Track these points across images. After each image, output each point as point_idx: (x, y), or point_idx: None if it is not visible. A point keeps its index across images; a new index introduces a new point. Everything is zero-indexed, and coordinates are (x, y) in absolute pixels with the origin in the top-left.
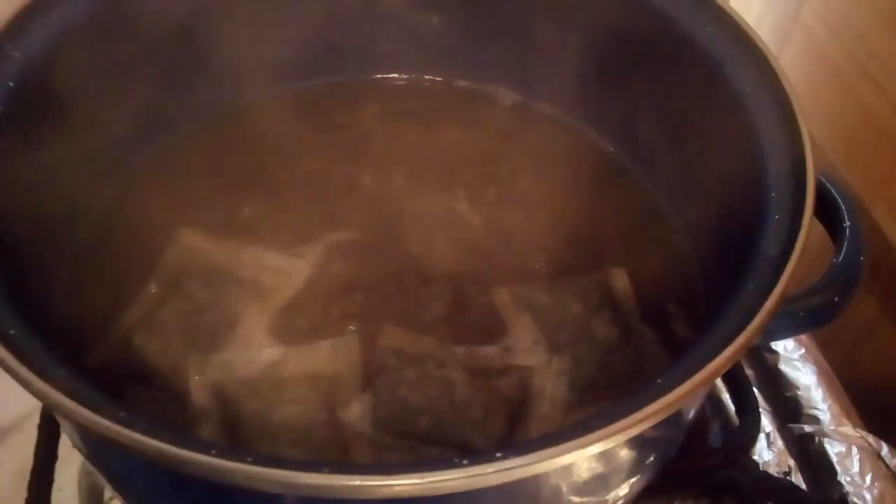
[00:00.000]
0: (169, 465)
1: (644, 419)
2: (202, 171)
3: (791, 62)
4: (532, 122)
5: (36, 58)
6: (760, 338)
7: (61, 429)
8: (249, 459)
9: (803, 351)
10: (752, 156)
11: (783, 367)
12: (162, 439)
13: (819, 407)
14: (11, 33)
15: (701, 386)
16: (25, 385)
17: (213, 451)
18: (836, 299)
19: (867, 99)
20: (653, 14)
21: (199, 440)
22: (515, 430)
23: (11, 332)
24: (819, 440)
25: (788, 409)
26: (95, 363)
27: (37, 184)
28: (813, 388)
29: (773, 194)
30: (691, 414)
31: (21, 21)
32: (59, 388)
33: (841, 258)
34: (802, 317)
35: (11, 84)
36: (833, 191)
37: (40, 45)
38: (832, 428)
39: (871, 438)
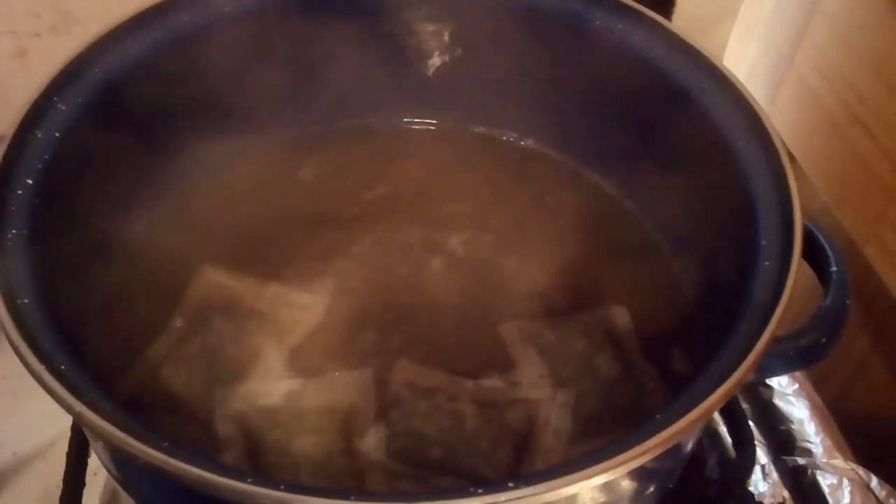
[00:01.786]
0: (208, 491)
1: (645, 452)
2: (223, 210)
3: (785, 106)
4: (541, 166)
5: (79, 110)
6: (754, 376)
7: (93, 454)
8: (282, 487)
9: (797, 386)
10: (744, 205)
11: (778, 401)
12: (202, 468)
13: (812, 440)
14: (58, 88)
15: (697, 421)
16: (78, 417)
17: (249, 480)
18: (824, 340)
19: (858, 143)
20: (653, 70)
21: (236, 469)
22: (522, 460)
23: (62, 367)
24: (812, 472)
25: (782, 442)
26: (125, 394)
27: (76, 228)
28: (806, 421)
29: (763, 242)
30: (689, 446)
31: (66, 76)
32: (109, 419)
33: (828, 301)
34: (793, 356)
35: (58, 134)
36: (821, 238)
37: (82, 98)
38: (824, 461)
39: (861, 471)
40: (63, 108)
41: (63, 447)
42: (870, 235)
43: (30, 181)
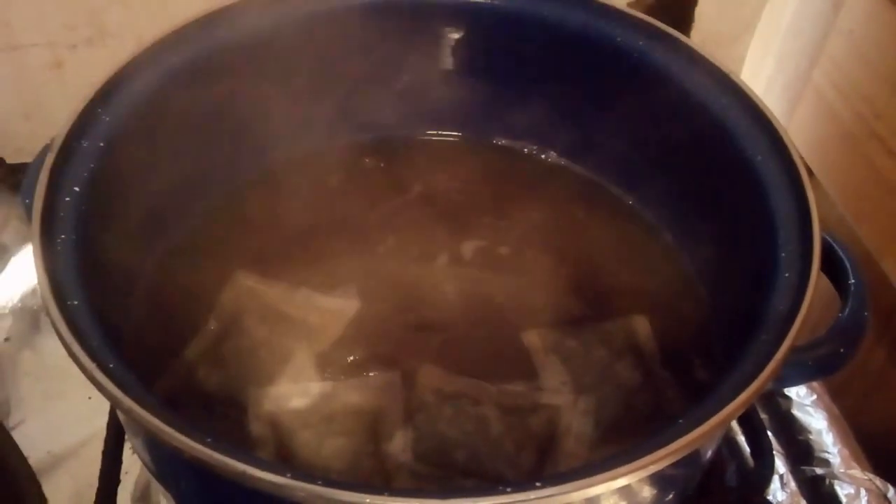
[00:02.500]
0: (248, 484)
1: (667, 455)
2: (256, 219)
3: (803, 121)
4: (562, 178)
5: (122, 120)
6: (773, 384)
7: (126, 452)
8: (319, 482)
9: (815, 397)
10: (763, 217)
11: (796, 412)
12: (244, 461)
13: (829, 450)
14: (102, 99)
15: (717, 427)
16: (128, 412)
17: (289, 474)
18: (842, 351)
19: (875, 157)
20: (672, 86)
21: (275, 464)
22: (544, 464)
23: (111, 366)
24: (829, 482)
25: (801, 452)
26: (162, 393)
27: (119, 233)
28: (824, 432)
29: (783, 254)
30: (709, 454)
31: (110, 88)
32: (157, 415)
33: (846, 313)
34: (811, 366)
35: (102, 144)
36: (839, 250)
37: (125, 109)
38: (842, 471)
39: (878, 481)
40: (107, 118)
41: (95, 446)
42: (887, 249)
43: (77, 189)
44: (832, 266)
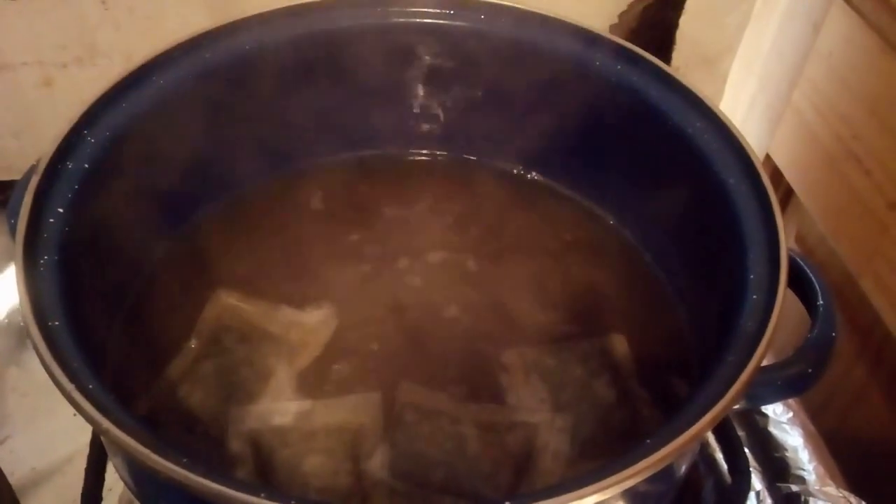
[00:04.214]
0: None
1: (635, 475)
2: (238, 237)
3: (784, 141)
4: (545, 197)
5: (106, 142)
6: (744, 404)
7: (109, 470)
8: (293, 502)
9: (791, 415)
10: (734, 239)
11: (772, 429)
12: (219, 482)
13: (805, 468)
14: (88, 121)
15: (684, 447)
16: (105, 433)
17: (262, 494)
18: (810, 371)
19: (853, 177)
20: (649, 110)
21: (250, 484)
22: (521, 482)
23: (90, 386)
24: (805, 499)
25: (777, 469)
26: (143, 412)
27: (101, 254)
28: (800, 449)
29: (751, 276)
30: (681, 471)
31: (95, 110)
32: (133, 436)
33: (815, 333)
34: (780, 385)
35: (87, 165)
36: (809, 272)
37: (110, 131)
38: (817, 488)
39: (853, 498)
40: (92, 140)
41: (80, 463)
42: (865, 268)
43: (60, 210)
44: (803, 287)
